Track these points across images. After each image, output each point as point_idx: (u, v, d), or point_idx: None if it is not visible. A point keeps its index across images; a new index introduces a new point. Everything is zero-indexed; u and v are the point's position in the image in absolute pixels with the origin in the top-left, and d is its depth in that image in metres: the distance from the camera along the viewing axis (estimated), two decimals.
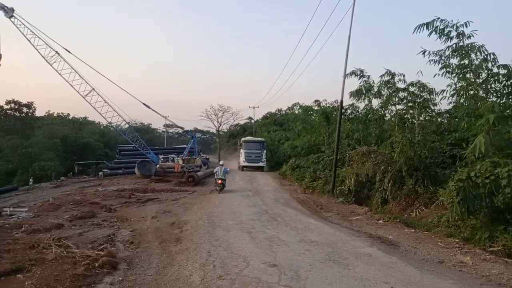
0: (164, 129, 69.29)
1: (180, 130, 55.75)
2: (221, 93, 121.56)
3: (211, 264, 6.00)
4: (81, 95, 27.42)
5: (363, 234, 8.93)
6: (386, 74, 14.86)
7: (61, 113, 54.42)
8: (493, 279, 5.63)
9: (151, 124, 78.53)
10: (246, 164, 32.81)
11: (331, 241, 7.67)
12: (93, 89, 27.90)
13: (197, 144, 39.76)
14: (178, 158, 30.52)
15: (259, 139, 36.33)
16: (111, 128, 40.16)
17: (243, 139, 35.71)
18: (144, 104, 31.50)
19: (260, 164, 32.72)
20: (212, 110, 62.88)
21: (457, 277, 5.65)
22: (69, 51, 27.07)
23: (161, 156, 32.05)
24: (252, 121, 55.58)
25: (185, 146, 38.73)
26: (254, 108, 53.11)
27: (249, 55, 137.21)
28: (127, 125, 32.88)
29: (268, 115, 54.19)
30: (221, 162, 20.01)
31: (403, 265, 6.02)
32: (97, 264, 5.87)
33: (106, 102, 28.70)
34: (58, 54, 26.77)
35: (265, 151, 33.44)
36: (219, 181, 18.19)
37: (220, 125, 65.30)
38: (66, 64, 26.91)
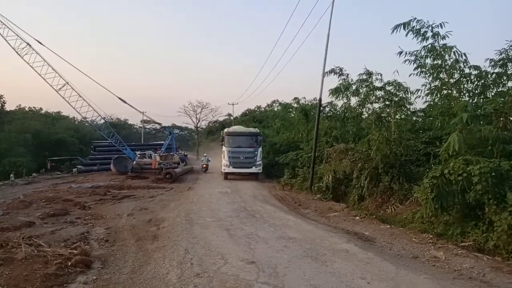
0: (141, 125, 68.07)
1: (158, 126, 55.06)
2: (200, 89, 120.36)
3: (188, 261, 5.92)
4: (54, 89, 26.58)
5: (340, 230, 9.04)
6: (364, 73, 15.10)
7: (33, 107, 52.43)
8: (464, 273, 5.81)
9: (127, 119, 77.03)
10: (232, 169, 22.02)
11: (309, 238, 7.72)
12: (67, 82, 27.09)
13: (175, 140, 39.20)
14: (156, 154, 30.01)
15: (252, 130, 24.43)
16: (86, 124, 39.15)
17: (226, 130, 24.16)
18: (120, 99, 30.84)
19: (254, 169, 21.90)
20: (191, 106, 62.51)
21: (430, 271, 5.79)
22: (41, 43, 26.18)
23: (138, 153, 31.45)
24: (231, 117, 55.36)
25: (162, 142, 38.11)
26: (233, 104, 52.86)
27: (229, 51, 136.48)
28: (102, 121, 32.20)
29: (247, 112, 54.12)
30: (204, 154, 34.44)
31: (379, 261, 6.12)
32: (70, 263, 5.68)
33: (80, 96, 27.95)
34: (30, 46, 25.82)
35: (260, 148, 22.30)
36: (204, 166, 30.05)
37: (199, 121, 65.02)
38: (38, 56, 26.00)
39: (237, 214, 10.53)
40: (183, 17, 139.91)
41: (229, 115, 57.90)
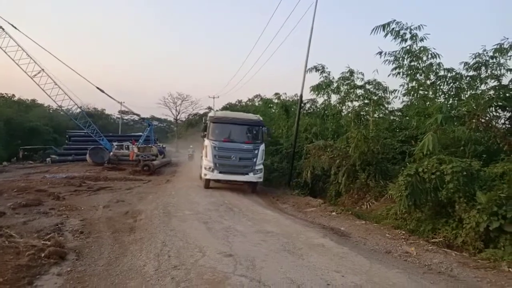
0: (119, 116, 66.71)
1: (136, 117, 54.04)
2: (181, 81, 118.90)
3: (166, 254, 5.90)
4: (28, 75, 25.73)
5: (317, 225, 9.21)
6: (347, 72, 15.34)
7: (5, 93, 50.48)
8: (434, 268, 6.04)
9: (105, 109, 75.25)
10: (217, 176, 14.28)
11: (287, 232, 7.83)
12: (42, 69, 26.25)
13: (154, 132, 38.66)
14: (133, 146, 29.52)
15: (251, 116, 16.26)
16: (61, 112, 37.98)
17: (213, 114, 16.49)
18: (98, 88, 30.15)
19: (251, 177, 14.30)
20: (171, 98, 61.90)
21: (402, 266, 6.00)
22: (15, 27, 25.21)
23: (115, 144, 30.87)
24: (212, 111, 55.09)
25: (141, 134, 37.54)
26: (214, 98, 52.57)
27: (211, 43, 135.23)
28: (78, 110, 31.25)
29: (228, 106, 53.92)
30: (191, 146, 36.73)
31: (353, 255, 6.28)
32: (43, 255, 5.54)
33: (56, 84, 27.16)
34: (3, 29, 24.86)
35: (263, 146, 14.68)
36: (189, 155, 35.12)
37: (179, 113, 64.49)
38: (12, 41, 25.04)
39: (215, 208, 10.53)
40: (164, 7, 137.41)
41: (210, 108, 57.52)
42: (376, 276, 5.27)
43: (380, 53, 12.06)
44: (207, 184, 14.82)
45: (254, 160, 14.19)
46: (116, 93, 74.58)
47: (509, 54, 10.15)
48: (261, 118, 16.00)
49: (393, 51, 11.84)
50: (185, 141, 56.88)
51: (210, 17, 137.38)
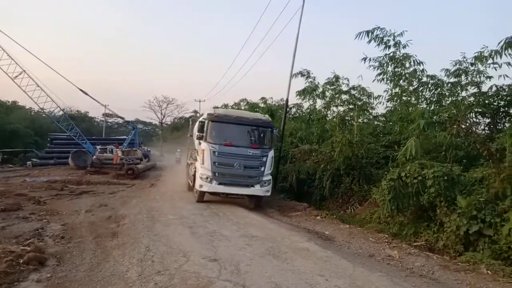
0: (103, 119, 65.71)
1: (121, 120, 53.26)
2: (166, 85, 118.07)
3: (149, 259, 5.82)
4: (9, 76, 25.10)
5: (302, 229, 9.24)
6: (332, 77, 15.53)
7: None
8: (416, 271, 6.14)
9: (88, 112, 74.04)
10: (216, 188, 11.65)
11: (272, 236, 7.83)
12: (24, 71, 25.66)
13: (139, 135, 38.21)
14: (117, 149, 29.08)
15: (259, 116, 13.50)
16: (43, 115, 37.20)
17: (213, 112, 12.44)
18: (82, 90, 29.61)
19: (257, 190, 11.79)
20: (156, 101, 61.22)
21: (385, 269, 6.07)
22: None
23: (98, 147, 30.37)
24: (198, 114, 54.83)
25: (125, 137, 37.03)
26: (200, 101, 52.28)
27: (198, 47, 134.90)
28: (61, 112, 30.64)
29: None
30: (178, 150, 36.26)
31: (337, 259, 6.33)
32: (22, 261, 5.41)
33: (38, 86, 26.60)
34: None
35: (272, 152, 12.28)
36: (176, 159, 35.36)
37: (164, 117, 63.82)
38: None
39: (200, 212, 10.46)
40: (151, 9, 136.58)
41: (195, 112, 57.27)
42: (359, 280, 5.32)
43: (365, 59, 12.26)
44: (201, 197, 11.98)
45: (262, 169, 11.68)
46: (100, 95, 73.47)
47: (488, 62, 10.44)
48: (269, 119, 13.48)
49: (378, 57, 12.07)
50: (170, 144, 56.40)
51: (196, 21, 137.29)
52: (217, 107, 14.94)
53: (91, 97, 30.90)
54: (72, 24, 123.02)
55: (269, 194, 12.12)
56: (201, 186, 11.60)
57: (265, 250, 6.65)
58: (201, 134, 11.78)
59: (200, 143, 11.97)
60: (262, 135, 12.33)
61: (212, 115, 11.98)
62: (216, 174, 11.46)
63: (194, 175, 12.44)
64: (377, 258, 6.89)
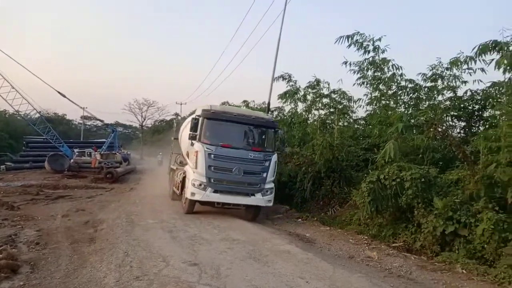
0: (81, 121, 64.31)
1: (100, 123, 52.25)
2: (147, 87, 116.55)
3: (127, 264, 5.70)
4: None
5: (283, 232, 9.27)
6: (313, 81, 15.67)
7: None
8: (394, 272, 6.26)
9: (66, 115, 72.30)
10: (211, 196, 9.95)
11: (253, 239, 7.81)
12: None
13: (118, 138, 37.58)
14: (96, 152, 28.49)
15: (262, 115, 11.75)
16: (19, 117, 36.08)
17: (208, 108, 10.52)
18: (59, 93, 28.98)
19: (258, 199, 10.17)
20: (136, 104, 60.34)
21: (364, 270, 6.16)
22: None
23: (76, 150, 29.69)
24: (179, 117, 54.36)
25: (104, 140, 36.36)
26: (181, 104, 51.90)
27: (179, 49, 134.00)
28: (37, 115, 29.86)
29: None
30: (160, 153, 36.89)
31: (318, 261, 6.37)
32: None
33: (13, 87, 25.85)
34: None
35: (275, 157, 10.61)
36: (158, 161, 35.10)
37: (144, 119, 62.95)
38: None
39: (180, 216, 10.34)
40: (131, 10, 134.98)
41: (177, 114, 56.78)
42: (339, 281, 5.37)
43: (346, 63, 12.44)
44: (191, 207, 10.36)
45: (264, 175, 10.19)
46: (78, 98, 71.75)
47: (463, 67, 10.76)
48: (272, 119, 12.20)
49: (358, 61, 12.26)
50: (151, 147, 55.70)
51: (178, 22, 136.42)
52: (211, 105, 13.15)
53: (69, 99, 30.32)
54: (48, 24, 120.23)
55: (271, 204, 10.54)
56: (193, 194, 9.91)
57: (246, 253, 6.63)
58: (194, 133, 10.05)
59: (192, 144, 10.21)
60: (265, 136, 10.89)
61: (208, 112, 10.29)
62: (212, 180, 9.91)
63: (183, 182, 10.92)
64: (357, 259, 6.99)
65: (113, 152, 30.33)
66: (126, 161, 31.96)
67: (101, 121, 43.49)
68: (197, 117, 10.30)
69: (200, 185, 9.87)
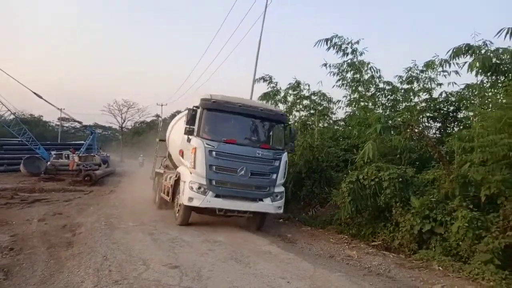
0: (59, 123, 62.74)
1: (78, 125, 51.12)
2: (127, 88, 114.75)
3: (106, 268, 5.59)
4: None
5: (265, 232, 9.29)
6: (294, 83, 15.80)
7: None
8: (373, 270, 6.38)
9: (42, 116, 70.45)
10: (214, 202, 8.49)
11: (234, 241, 7.80)
12: None
13: (97, 140, 36.86)
14: (73, 155, 27.84)
15: (270, 107, 11.62)
16: None
17: (209, 97, 8.87)
18: (35, 93, 28.14)
19: (267, 204, 8.83)
20: (116, 105, 59.35)
21: (344, 269, 6.25)
22: None
23: (53, 152, 28.95)
24: (160, 118, 53.78)
25: (83, 142, 35.57)
26: (162, 105, 51.40)
27: (159, 50, 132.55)
28: (12, 116, 28.94)
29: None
30: (141, 155, 37.73)
31: (299, 261, 6.42)
32: None
33: None
34: None
35: (286, 155, 9.23)
36: (139, 163, 35.95)
37: (124, 121, 61.96)
38: None
39: (161, 218, 10.23)
40: (112, 9, 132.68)
41: (158, 116, 56.19)
42: (320, 280, 5.43)
43: (325, 65, 12.60)
44: (187, 216, 8.92)
45: (274, 176, 8.87)
46: (56, 99, 70.13)
47: (439, 70, 11.09)
48: (282, 112, 10.81)
49: (337, 63, 12.44)
50: (132, 149, 54.86)
51: (158, 22, 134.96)
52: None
53: (45, 100, 29.50)
54: (24, 23, 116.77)
55: (281, 211, 9.28)
56: (190, 199, 8.40)
57: (227, 254, 6.62)
58: (191, 127, 8.62)
59: (189, 140, 8.72)
60: (274, 132, 9.64)
61: (209, 101, 8.81)
62: (213, 182, 8.49)
63: (174, 186, 9.63)
64: (337, 259, 7.08)
65: (92, 154, 29.74)
66: (106, 163, 31.40)
67: (79, 122, 42.68)
68: (194, 107, 8.81)
69: (199, 188, 8.43)
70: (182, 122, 10.47)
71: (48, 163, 26.75)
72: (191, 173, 8.62)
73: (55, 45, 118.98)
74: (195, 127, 8.66)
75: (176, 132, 11.42)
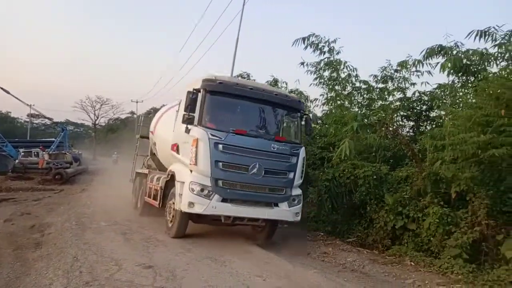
0: (28, 119, 60.42)
1: (48, 121, 49.39)
2: (101, 84, 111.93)
3: (77, 270, 5.40)
4: None
5: (242, 231, 9.23)
6: (271, 81, 15.78)
7: None
8: (348, 266, 6.48)
9: (10, 112, 67.76)
10: (219, 205, 6.81)
11: (211, 240, 7.73)
12: None
13: (69, 137, 35.77)
14: (43, 152, 26.89)
15: (285, 93, 9.00)
16: None
17: (207, 77, 7.22)
18: (2, 89, 27.00)
19: (285, 209, 7.26)
20: (89, 102, 57.76)
21: (320, 266, 6.31)
22: None
23: (21, 150, 27.87)
24: (135, 115, 52.73)
25: (53, 139, 34.45)
26: (137, 102, 50.40)
27: (135, 46, 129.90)
28: None
29: (151, 111, 52.14)
30: (115, 152, 38.52)
31: (275, 259, 6.43)
32: None
33: None
34: None
35: (303, 150, 7.81)
36: (113, 161, 36.38)
37: (98, 118, 60.36)
38: None
39: (136, 218, 10.03)
40: (85, 3, 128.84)
41: (132, 113, 55.06)
42: (296, 278, 5.45)
43: (303, 63, 12.65)
44: (183, 226, 7.41)
45: (291, 175, 7.42)
46: (25, 95, 67.51)
47: (412, 70, 11.35)
48: (299, 99, 9.02)
49: (314, 62, 12.51)
50: (105, 147, 53.58)
51: (132, 17, 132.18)
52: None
53: (13, 95, 28.40)
54: None
55: (299, 219, 7.62)
56: (191, 205, 6.76)
57: (203, 254, 6.53)
58: (190, 114, 7.00)
59: (188, 130, 7.07)
60: (290, 122, 8.36)
61: (213, 83, 7.17)
62: (220, 183, 6.89)
63: (165, 189, 8.18)
64: (313, 256, 7.14)
65: (63, 151, 28.86)
66: (77, 161, 30.51)
67: (50, 119, 41.06)
68: (195, 90, 7.07)
69: (203, 190, 6.78)
70: (172, 112, 9.27)
71: (16, 161, 25.74)
72: (191, 171, 7.00)
73: (24, 40, 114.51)
74: (196, 115, 7.06)
75: (163, 125, 10.14)
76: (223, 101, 7.39)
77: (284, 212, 7.27)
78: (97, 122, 60.94)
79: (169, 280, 5.01)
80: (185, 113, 7.02)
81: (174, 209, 7.40)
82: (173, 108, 9.66)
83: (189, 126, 7.06)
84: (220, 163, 6.87)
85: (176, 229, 7.38)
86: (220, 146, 6.86)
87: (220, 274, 5.41)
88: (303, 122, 8.18)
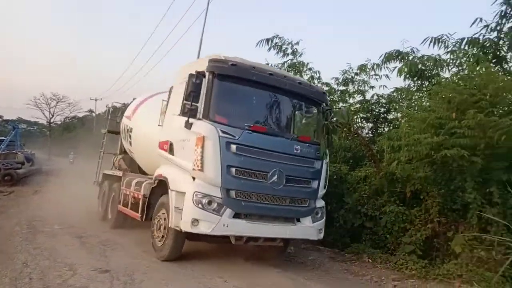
0: None
1: None
2: (57, 81, 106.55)
3: (26, 276, 5.07)
4: None
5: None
6: None
7: None
8: (309, 264, 6.61)
9: None
10: (233, 222, 5.27)
11: None
12: None
13: (21, 136, 33.77)
14: None
15: (307, 82, 7.31)
16: None
17: (214, 57, 5.61)
18: None
19: (308, 225, 5.86)
20: (43, 99, 54.76)
21: (282, 266, 6.35)
22: None
23: None
24: (93, 114, 50.71)
25: (3, 138, 32.37)
26: (96, 100, 48.48)
27: (95, 41, 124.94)
28: None
29: (112, 108, 50.42)
30: (71, 152, 37.37)
31: (238, 260, 6.40)
32: None
33: None
34: None
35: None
36: (70, 161, 35.49)
37: (53, 116, 57.39)
38: None
39: (94, 220, 9.60)
40: None
41: (91, 111, 52.90)
42: (258, 278, 5.46)
43: (267, 64, 12.71)
44: (178, 248, 5.93)
45: (315, 184, 6.06)
46: None
47: (371, 74, 11.74)
48: (323, 90, 7.53)
49: (278, 63, 12.60)
50: (61, 146, 51.08)
51: (92, 10, 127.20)
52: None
53: None
54: None
55: (322, 236, 6.24)
56: (195, 222, 5.24)
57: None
58: (193, 103, 5.43)
59: (189, 125, 5.52)
60: (313, 118, 6.81)
61: (225, 64, 5.61)
62: (233, 194, 5.44)
63: (149, 198, 6.59)
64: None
65: (14, 151, 27.16)
66: (30, 162, 28.80)
67: (0, 117, 38.61)
68: (199, 74, 5.50)
69: (211, 203, 5.28)
70: (156, 100, 7.76)
71: None
72: (194, 178, 5.46)
73: None
74: (200, 105, 5.52)
75: (144, 115, 8.32)
76: (235, 89, 5.87)
77: (308, 229, 5.93)
78: (52, 121, 57.98)
79: (127, 284, 4.84)
80: (186, 102, 5.45)
81: (165, 226, 5.91)
82: (157, 95, 8.16)
83: (192, 120, 5.48)
84: (233, 169, 5.40)
85: (169, 250, 5.83)
86: (233, 146, 5.38)
87: (181, 276, 5.31)
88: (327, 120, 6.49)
